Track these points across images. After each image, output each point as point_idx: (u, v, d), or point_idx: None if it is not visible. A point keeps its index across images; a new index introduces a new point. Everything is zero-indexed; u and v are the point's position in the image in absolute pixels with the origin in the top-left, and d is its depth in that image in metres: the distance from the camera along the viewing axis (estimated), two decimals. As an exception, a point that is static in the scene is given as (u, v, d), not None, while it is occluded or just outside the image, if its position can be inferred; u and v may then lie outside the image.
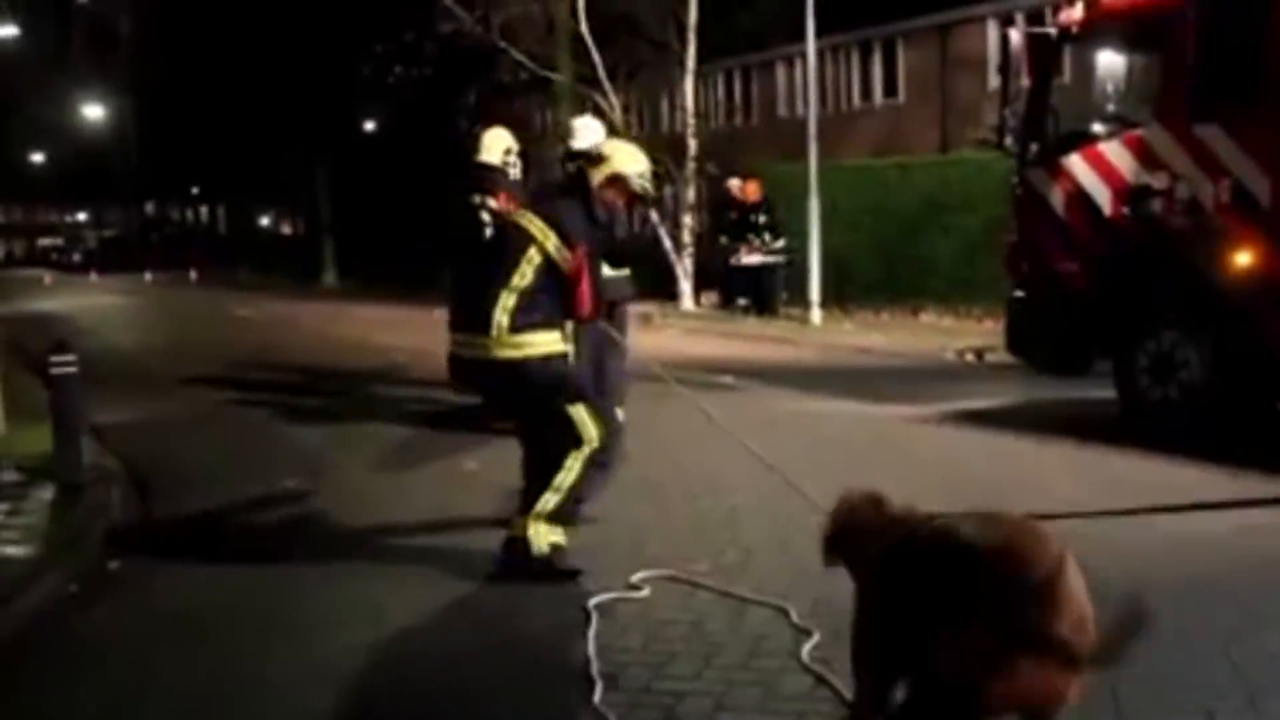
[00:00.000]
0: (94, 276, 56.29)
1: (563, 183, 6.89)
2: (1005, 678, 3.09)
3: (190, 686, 4.90)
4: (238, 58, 44.96)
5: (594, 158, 6.66)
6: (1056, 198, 10.03)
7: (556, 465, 6.18)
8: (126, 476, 8.81)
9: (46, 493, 7.95)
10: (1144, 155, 9.35)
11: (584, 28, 25.63)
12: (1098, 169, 9.71)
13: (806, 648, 4.86)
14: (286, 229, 79.53)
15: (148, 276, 52.23)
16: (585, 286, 6.31)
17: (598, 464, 6.28)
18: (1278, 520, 6.72)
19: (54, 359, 8.44)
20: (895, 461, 8.72)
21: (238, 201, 78.50)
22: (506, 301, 6.13)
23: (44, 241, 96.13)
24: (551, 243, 6.20)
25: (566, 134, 10.12)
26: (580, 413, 6.20)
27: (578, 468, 6.16)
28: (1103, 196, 9.64)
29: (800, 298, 21.38)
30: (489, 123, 11.33)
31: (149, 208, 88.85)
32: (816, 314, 20.93)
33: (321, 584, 6.17)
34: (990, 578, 3.17)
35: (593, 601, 5.50)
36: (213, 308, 30.91)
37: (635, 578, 5.85)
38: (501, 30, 26.71)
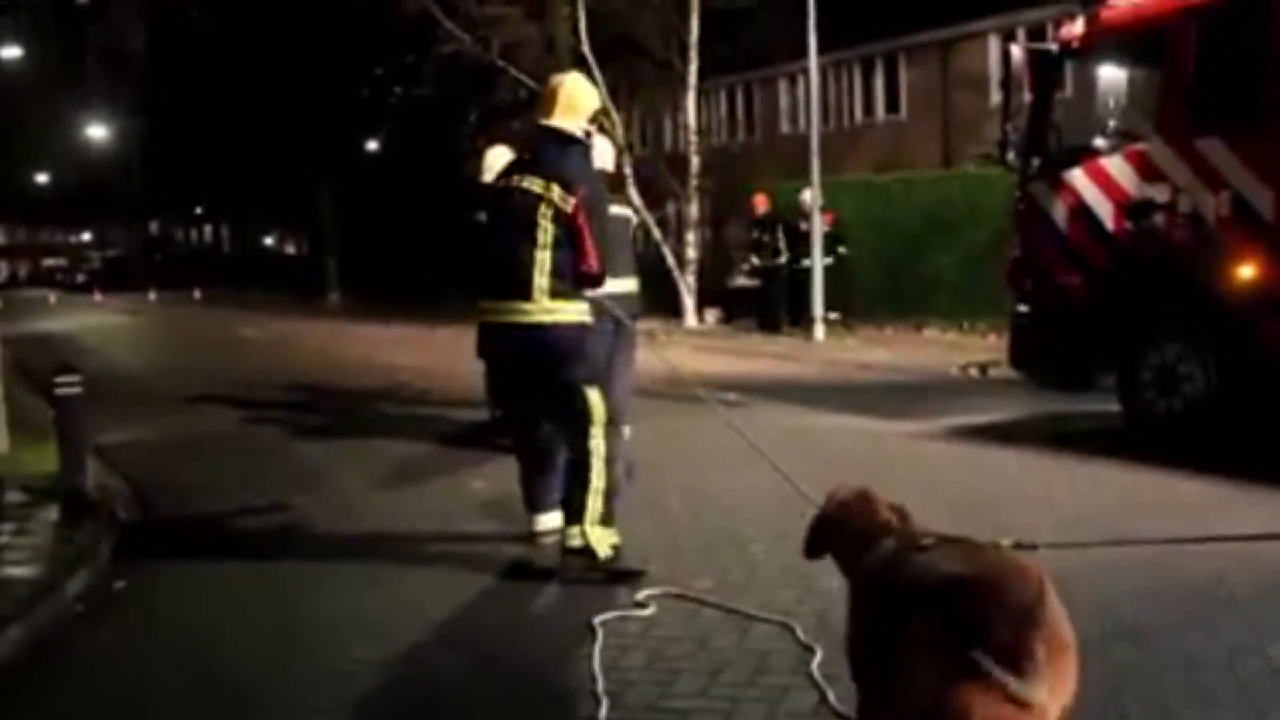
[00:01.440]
0: (98, 296, 56.37)
1: (538, 139, 6.70)
2: (979, 704, 2.99)
3: (195, 706, 4.90)
4: (242, 80, 45.10)
5: (554, 102, 6.58)
6: (1059, 212, 10.04)
7: (584, 465, 6.34)
8: (132, 496, 8.81)
9: (52, 513, 7.95)
10: (1145, 169, 9.36)
11: (585, 46, 25.71)
12: (1100, 183, 9.72)
13: (813, 664, 4.85)
14: (290, 248, 79.74)
15: (152, 296, 52.32)
16: (585, 235, 6.37)
17: (613, 459, 6.46)
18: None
19: (59, 379, 8.45)
20: (899, 477, 8.70)
21: (241, 221, 78.71)
22: (543, 263, 6.29)
23: (48, 262, 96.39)
24: (555, 193, 6.31)
25: None
26: (595, 394, 6.37)
27: (603, 467, 6.34)
28: (1105, 211, 9.66)
29: (803, 313, 21.41)
30: (491, 142, 11.36)
31: (153, 228, 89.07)
32: (820, 330, 20.93)
33: (327, 601, 6.17)
34: (968, 606, 3.01)
35: (597, 619, 5.49)
36: (216, 327, 30.95)
37: (640, 595, 5.85)
38: (501, 50, 26.80)
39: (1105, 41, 10.10)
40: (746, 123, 40.39)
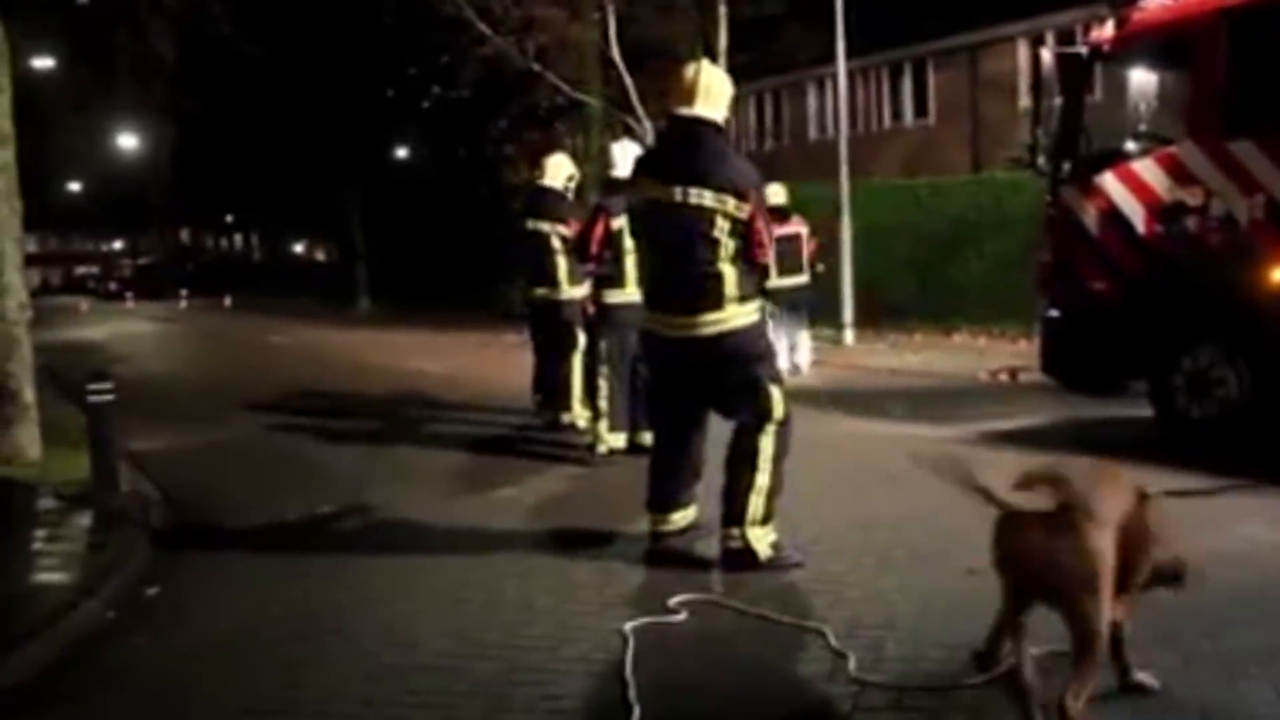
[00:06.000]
0: (129, 304, 56.69)
1: (682, 133, 6.61)
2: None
3: (225, 711, 4.91)
4: (272, 87, 45.25)
5: (693, 90, 6.51)
6: (1090, 216, 9.99)
7: (751, 464, 6.43)
8: (163, 502, 8.85)
9: (84, 519, 7.99)
10: (1177, 172, 9.30)
11: (615, 52, 25.73)
12: (1131, 187, 9.66)
13: (850, 668, 4.83)
14: (320, 255, 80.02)
15: (183, 303, 52.60)
16: (761, 233, 6.44)
17: (784, 453, 6.54)
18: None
19: (91, 386, 8.49)
20: (938, 483, 8.66)
21: (271, 229, 79.04)
22: (730, 276, 6.37)
23: (80, 270, 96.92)
24: (730, 205, 6.32)
25: (609, 164, 10.02)
26: (777, 391, 6.48)
27: (770, 466, 6.44)
28: (1136, 214, 9.60)
29: (833, 318, 21.27)
30: (539, 149, 11.50)
31: (184, 235, 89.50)
32: (849, 335, 20.89)
33: (356, 607, 6.18)
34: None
35: (628, 625, 5.48)
36: (247, 334, 31.06)
37: (672, 601, 5.83)
38: (537, 54, 26.84)
39: (1135, 44, 10.04)
40: (775, 128, 40.40)
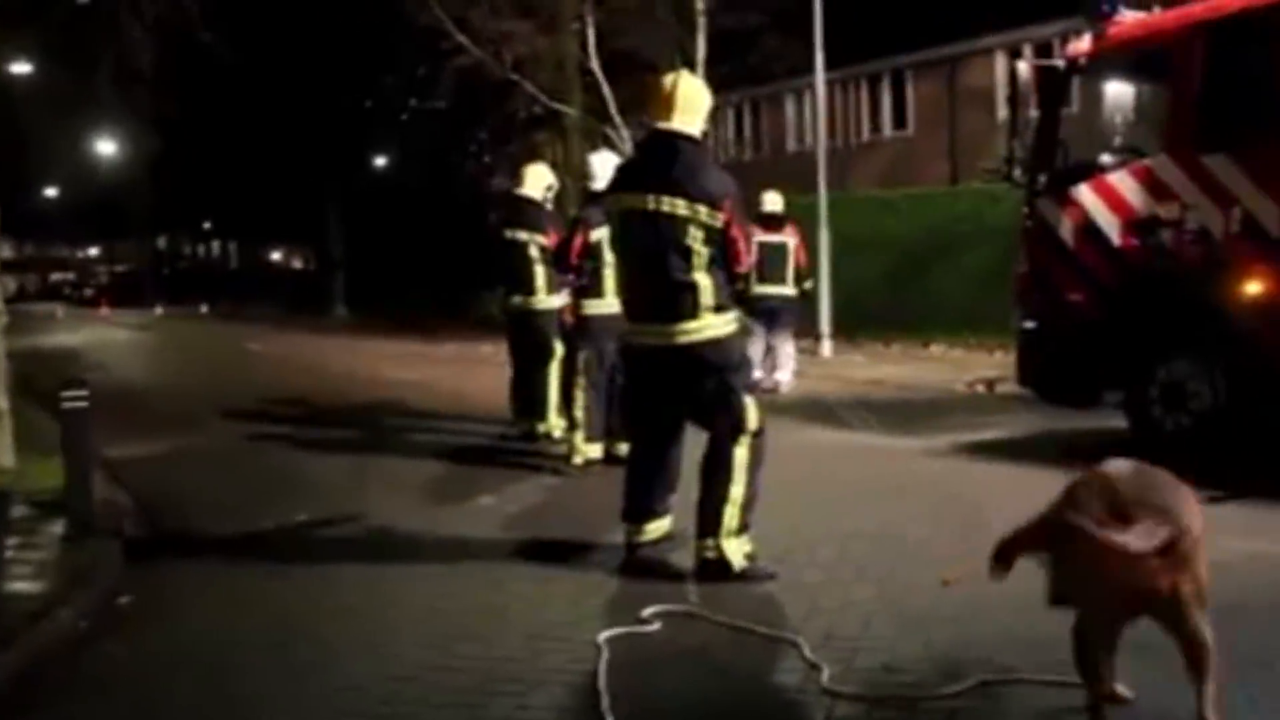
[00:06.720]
0: (105, 311, 56.48)
1: (659, 145, 6.60)
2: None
3: (198, 723, 4.90)
4: (250, 95, 45.21)
5: (671, 103, 6.49)
6: (1066, 228, 10.02)
7: (725, 475, 6.41)
8: (137, 511, 8.80)
9: (57, 528, 7.93)
10: (1153, 185, 9.34)
11: (594, 63, 25.77)
12: (1107, 199, 9.70)
13: (823, 679, 4.83)
14: (297, 263, 79.89)
15: (159, 310, 52.42)
16: (739, 242, 6.43)
17: (759, 463, 6.51)
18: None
19: (65, 393, 8.44)
20: (912, 494, 8.69)
21: (249, 236, 78.88)
22: (705, 286, 6.35)
23: (56, 276, 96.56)
24: (703, 214, 6.31)
25: (588, 176, 9.94)
26: (751, 401, 6.46)
27: (745, 476, 6.42)
28: (1112, 227, 9.63)
29: (810, 330, 21.28)
30: (527, 158, 11.42)
31: (161, 243, 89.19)
32: (827, 346, 20.92)
33: (331, 617, 6.15)
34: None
35: (602, 636, 5.46)
36: (223, 342, 30.99)
37: (646, 612, 5.81)
38: (515, 65, 26.85)
39: (1112, 57, 10.09)
40: (754, 139, 40.48)
